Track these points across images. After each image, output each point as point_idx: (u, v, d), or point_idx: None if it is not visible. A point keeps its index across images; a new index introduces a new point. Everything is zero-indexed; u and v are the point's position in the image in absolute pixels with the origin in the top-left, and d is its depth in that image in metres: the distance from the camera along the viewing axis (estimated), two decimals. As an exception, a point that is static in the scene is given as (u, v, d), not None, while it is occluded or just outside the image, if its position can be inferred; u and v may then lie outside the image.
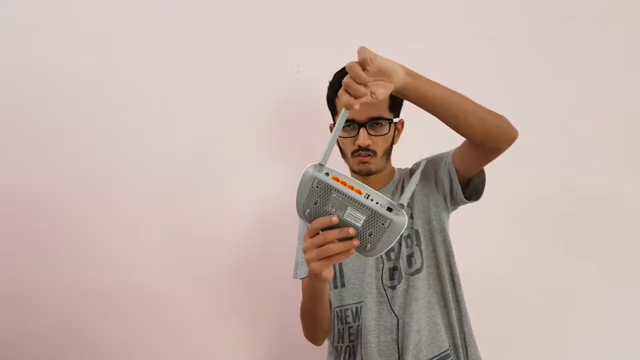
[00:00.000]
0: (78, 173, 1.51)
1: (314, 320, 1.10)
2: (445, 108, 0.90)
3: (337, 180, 0.76)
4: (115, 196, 1.51)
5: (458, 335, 1.11)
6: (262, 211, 1.52)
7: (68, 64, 1.51)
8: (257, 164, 1.53)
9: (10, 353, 1.49)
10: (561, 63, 1.58)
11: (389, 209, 0.76)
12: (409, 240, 1.12)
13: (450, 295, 1.12)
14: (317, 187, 0.76)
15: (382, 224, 0.77)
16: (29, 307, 1.49)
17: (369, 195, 0.76)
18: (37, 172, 1.50)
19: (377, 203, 0.76)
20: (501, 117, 0.95)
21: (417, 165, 1.19)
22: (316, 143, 1.42)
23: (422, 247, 1.12)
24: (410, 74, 0.85)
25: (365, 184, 0.77)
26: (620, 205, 1.58)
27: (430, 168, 1.14)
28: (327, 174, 0.76)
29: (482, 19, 1.58)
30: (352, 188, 0.76)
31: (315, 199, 0.77)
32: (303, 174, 0.77)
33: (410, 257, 1.12)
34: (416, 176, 0.91)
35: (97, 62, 1.51)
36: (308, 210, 0.79)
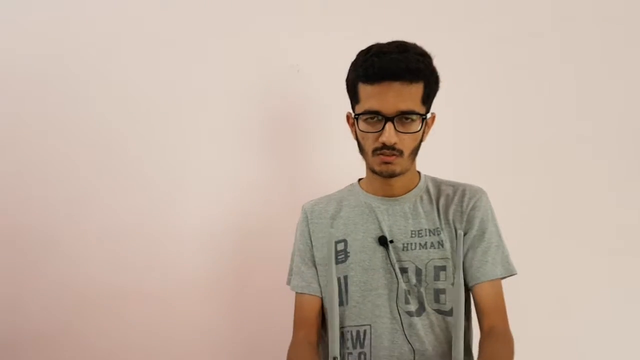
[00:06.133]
0: (78, 173, 1.51)
1: None
2: None
3: None
4: (115, 196, 1.51)
5: None
6: (263, 211, 1.52)
7: (68, 63, 1.51)
8: (257, 164, 1.53)
9: (10, 353, 1.50)
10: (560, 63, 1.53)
11: None
12: (442, 272, 0.99)
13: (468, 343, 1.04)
14: None
15: None
16: (29, 307, 1.50)
17: None
18: (37, 172, 1.50)
19: None
20: None
21: (474, 196, 1.04)
22: (315, 143, 1.54)
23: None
24: None
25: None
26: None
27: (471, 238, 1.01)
28: None
29: (486, 18, 1.53)
30: None
31: None
32: None
33: (439, 292, 0.99)
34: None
35: (96, 62, 1.51)
36: None
